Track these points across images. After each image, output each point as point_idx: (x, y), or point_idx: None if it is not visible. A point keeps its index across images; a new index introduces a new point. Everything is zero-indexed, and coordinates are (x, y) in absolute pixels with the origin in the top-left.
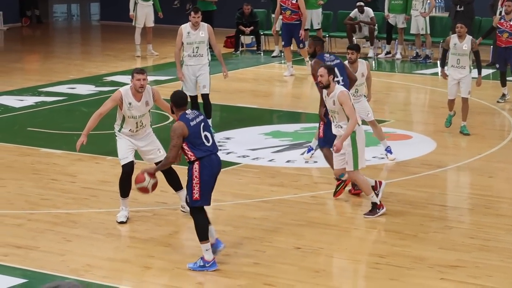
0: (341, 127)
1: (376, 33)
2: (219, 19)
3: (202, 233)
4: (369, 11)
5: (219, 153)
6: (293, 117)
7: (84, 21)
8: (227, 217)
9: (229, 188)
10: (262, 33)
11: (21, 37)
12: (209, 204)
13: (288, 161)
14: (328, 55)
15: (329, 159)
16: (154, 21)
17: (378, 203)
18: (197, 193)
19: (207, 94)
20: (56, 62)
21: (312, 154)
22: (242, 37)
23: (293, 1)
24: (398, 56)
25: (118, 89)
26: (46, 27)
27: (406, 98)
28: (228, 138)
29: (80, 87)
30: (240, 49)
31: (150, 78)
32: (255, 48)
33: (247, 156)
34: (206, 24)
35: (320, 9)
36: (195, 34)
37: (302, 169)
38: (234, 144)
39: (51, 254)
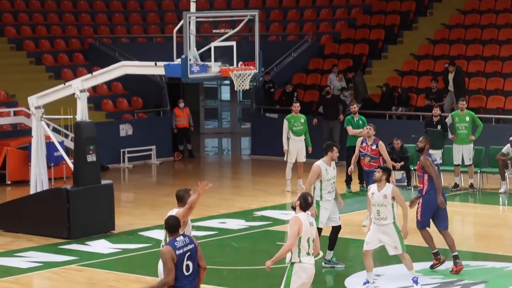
0: None
1: None
2: None
3: None
4: None
5: None
6: (442, 254)
7: (235, 155)
8: None
9: None
10: (412, 168)
11: (173, 171)
12: None
13: None
14: (433, 156)
15: (428, 240)
16: (305, 156)
17: None
18: None
19: (340, 226)
20: (207, 196)
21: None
22: (392, 172)
23: (372, 147)
24: None
25: (270, 223)
26: (198, 161)
27: None
28: (378, 275)
29: (230, 221)
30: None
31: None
32: (405, 184)
33: None
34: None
35: (472, 145)
36: (332, 170)
37: None
38: (384, 281)
39: None
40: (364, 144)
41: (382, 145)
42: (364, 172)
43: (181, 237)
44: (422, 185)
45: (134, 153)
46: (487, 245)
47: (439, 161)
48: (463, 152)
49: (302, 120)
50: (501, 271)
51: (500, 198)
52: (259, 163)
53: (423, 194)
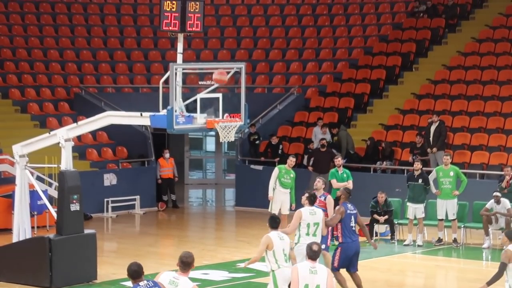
0: None
1: None
2: None
3: None
4: (505, 202)
5: None
6: None
7: (219, 206)
8: None
9: None
10: (396, 222)
11: (156, 221)
12: None
13: None
14: (350, 205)
15: (342, 282)
16: (289, 209)
17: None
18: None
19: None
20: (190, 247)
21: None
22: (376, 226)
23: (321, 198)
24: None
25: (253, 275)
26: (181, 212)
27: None
28: None
29: (213, 273)
30: (374, 237)
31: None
32: (389, 237)
33: None
34: None
35: (456, 200)
36: None
37: None
38: None
39: None
40: None
41: (330, 199)
42: None
43: (145, 282)
44: (337, 233)
45: (118, 202)
46: None
47: (354, 211)
48: (447, 206)
49: (292, 175)
50: None
51: (484, 253)
52: (243, 214)
53: (341, 242)
